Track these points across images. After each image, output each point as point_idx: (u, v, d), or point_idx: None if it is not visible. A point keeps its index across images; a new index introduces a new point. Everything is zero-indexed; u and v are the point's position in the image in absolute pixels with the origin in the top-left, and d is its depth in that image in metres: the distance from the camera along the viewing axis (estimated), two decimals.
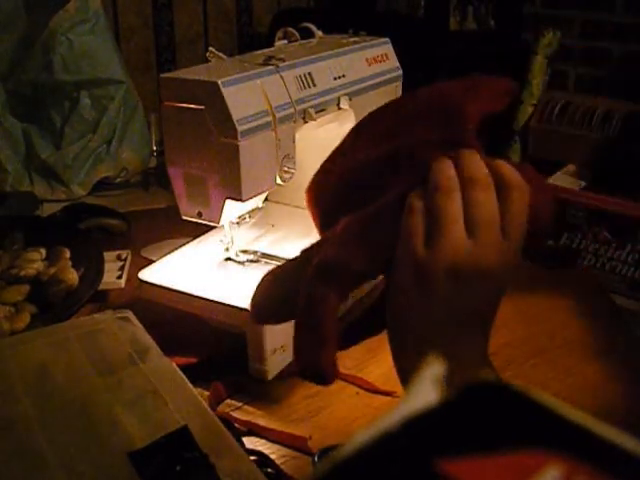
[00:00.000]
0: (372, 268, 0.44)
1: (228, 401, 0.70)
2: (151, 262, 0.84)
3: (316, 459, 0.62)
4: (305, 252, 0.47)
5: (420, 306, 0.42)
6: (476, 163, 0.42)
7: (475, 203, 0.41)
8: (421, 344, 0.42)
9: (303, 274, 0.45)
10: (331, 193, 0.49)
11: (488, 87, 0.48)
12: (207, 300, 0.74)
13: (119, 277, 0.93)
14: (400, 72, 0.97)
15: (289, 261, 0.49)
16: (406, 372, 0.44)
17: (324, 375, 0.44)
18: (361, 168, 0.48)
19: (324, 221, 0.49)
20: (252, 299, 0.50)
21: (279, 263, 0.82)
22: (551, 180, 1.48)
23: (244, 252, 0.84)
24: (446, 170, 0.42)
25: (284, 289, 0.47)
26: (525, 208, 0.42)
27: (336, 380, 0.73)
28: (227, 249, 0.82)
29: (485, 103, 0.46)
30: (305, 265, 0.45)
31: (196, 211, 0.75)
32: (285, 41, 0.89)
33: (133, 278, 0.88)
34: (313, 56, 0.83)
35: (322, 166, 0.53)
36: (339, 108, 0.85)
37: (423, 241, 0.41)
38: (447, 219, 0.41)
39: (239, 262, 0.82)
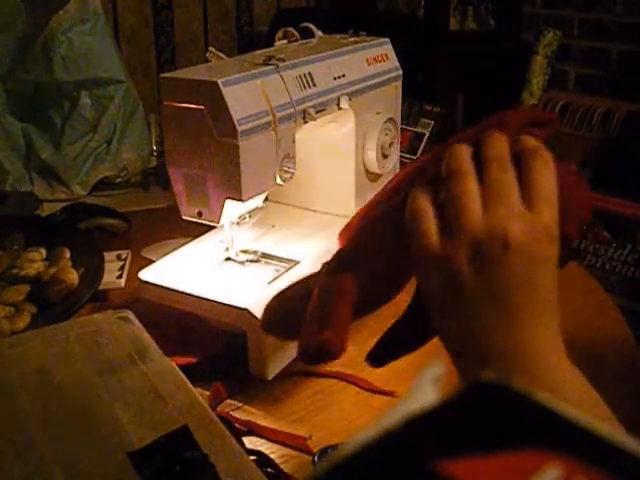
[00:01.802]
0: (384, 264, 0.43)
1: (228, 401, 0.70)
2: (151, 262, 0.84)
3: (316, 459, 0.62)
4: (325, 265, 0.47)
5: (453, 306, 0.39)
6: (496, 142, 0.40)
7: (490, 180, 0.38)
8: (472, 350, 0.38)
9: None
10: (364, 216, 0.48)
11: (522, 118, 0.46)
12: (207, 300, 0.74)
13: (119, 277, 0.93)
14: (400, 72, 0.97)
15: (297, 283, 0.49)
16: (464, 369, 0.40)
17: (329, 349, 0.42)
18: (392, 189, 0.47)
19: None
20: (265, 312, 0.49)
21: (279, 263, 0.82)
22: None
23: (244, 252, 0.84)
24: (458, 154, 0.40)
25: (295, 308, 0.47)
26: (550, 179, 0.39)
27: (336, 380, 0.73)
28: (227, 249, 0.82)
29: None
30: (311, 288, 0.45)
31: (196, 211, 0.75)
32: (285, 41, 0.89)
33: (133, 278, 0.88)
34: (313, 56, 0.83)
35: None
36: (339, 108, 0.85)
37: (438, 234, 0.39)
38: (459, 200, 0.38)
39: (239, 262, 0.82)
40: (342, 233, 0.47)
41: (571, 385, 0.37)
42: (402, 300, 0.46)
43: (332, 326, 0.42)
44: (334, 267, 0.45)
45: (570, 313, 0.84)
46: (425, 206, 0.39)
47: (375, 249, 0.44)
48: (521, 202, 0.38)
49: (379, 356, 0.47)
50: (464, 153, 0.40)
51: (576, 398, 0.37)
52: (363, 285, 0.43)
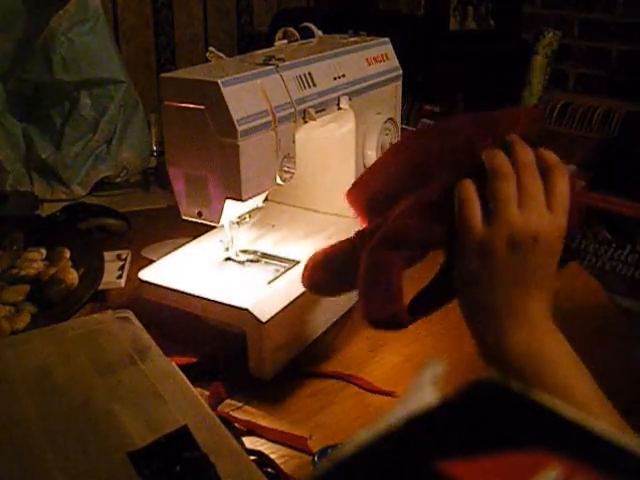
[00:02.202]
0: (431, 239, 0.53)
1: (228, 401, 0.70)
2: (151, 262, 0.84)
3: (316, 459, 0.62)
4: (359, 233, 0.56)
5: (485, 277, 0.50)
6: (525, 150, 0.51)
7: (526, 184, 0.50)
8: (490, 309, 0.50)
9: (360, 250, 0.53)
10: (383, 182, 0.57)
11: (523, 113, 0.57)
12: (207, 300, 0.74)
13: (119, 277, 0.93)
14: (400, 72, 0.97)
15: (341, 242, 0.58)
16: (481, 337, 0.51)
17: (401, 322, 0.53)
18: (412, 161, 0.56)
19: (373, 207, 0.57)
20: (306, 272, 0.59)
21: (279, 263, 0.82)
22: None
23: (244, 252, 0.84)
24: (500, 158, 0.51)
25: (340, 263, 0.57)
26: (566, 186, 0.50)
27: (336, 380, 0.73)
28: (227, 249, 0.82)
29: (524, 123, 0.55)
30: (360, 243, 0.54)
31: (196, 211, 0.75)
32: (285, 41, 0.89)
33: (133, 278, 0.88)
34: (313, 56, 0.83)
35: (375, 162, 0.62)
36: (339, 108, 0.85)
37: (481, 221, 0.50)
38: (504, 199, 0.49)
39: (239, 262, 0.82)
40: (366, 184, 0.58)
41: (556, 348, 0.50)
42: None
43: (397, 300, 0.52)
44: (379, 244, 0.52)
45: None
46: (473, 196, 0.50)
47: (420, 230, 0.52)
48: (545, 205, 0.50)
49: (416, 309, 0.55)
50: (504, 158, 0.51)
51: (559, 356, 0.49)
52: (407, 260, 0.52)
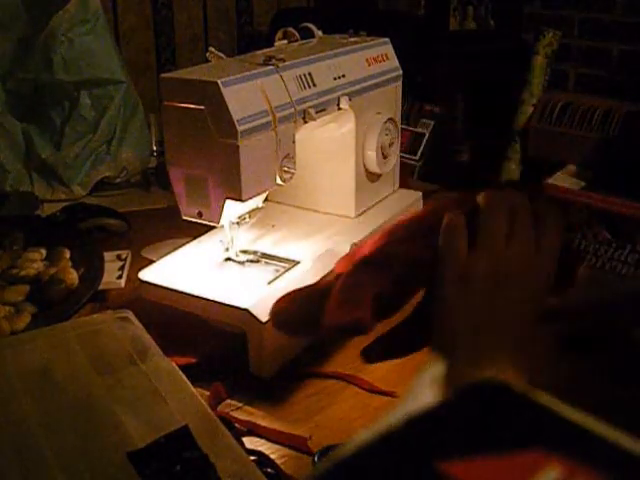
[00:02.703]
0: (414, 262, 0.51)
1: (228, 401, 0.70)
2: (151, 262, 0.84)
3: (316, 459, 0.62)
4: (325, 281, 0.53)
5: (462, 304, 0.48)
6: (520, 195, 0.51)
7: (516, 226, 0.49)
8: (461, 336, 0.47)
9: (324, 298, 0.51)
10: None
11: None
12: (207, 300, 0.74)
13: (119, 277, 0.93)
14: (400, 72, 0.97)
15: (309, 286, 0.55)
16: (448, 365, 0.47)
17: (365, 324, 0.50)
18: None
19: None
20: (274, 313, 0.55)
21: (279, 263, 0.82)
22: (551, 180, 1.48)
23: (244, 252, 0.84)
24: (495, 196, 0.50)
25: (307, 308, 0.53)
26: (557, 235, 0.50)
27: (336, 380, 0.73)
28: (227, 249, 0.82)
29: None
30: (325, 291, 0.51)
31: (196, 211, 0.75)
32: (285, 41, 0.89)
33: (133, 278, 0.88)
34: (313, 56, 0.83)
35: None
36: (339, 108, 0.85)
37: (465, 247, 0.49)
38: (492, 232, 0.49)
39: (239, 262, 0.82)
40: (363, 248, 0.54)
41: None
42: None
43: (364, 307, 0.50)
44: (360, 264, 0.51)
45: None
46: (461, 223, 0.49)
47: (402, 255, 0.51)
48: (533, 247, 0.49)
49: (375, 352, 0.53)
50: (499, 196, 0.50)
51: None
52: (385, 285, 0.50)
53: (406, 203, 0.99)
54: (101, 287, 0.88)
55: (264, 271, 0.81)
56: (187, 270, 0.81)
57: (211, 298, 0.74)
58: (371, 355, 0.53)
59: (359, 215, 0.94)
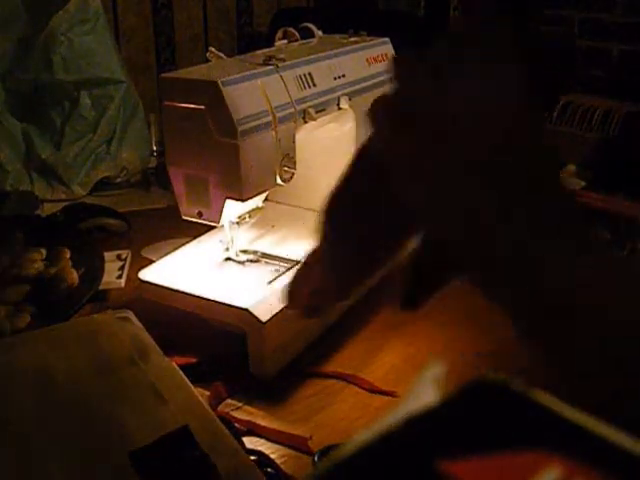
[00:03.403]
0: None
1: (228, 401, 0.70)
2: (151, 262, 0.84)
3: (316, 459, 0.62)
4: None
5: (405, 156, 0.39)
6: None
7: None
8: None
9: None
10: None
11: None
12: (207, 300, 0.74)
13: (119, 277, 0.93)
14: None
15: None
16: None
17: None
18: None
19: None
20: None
21: (279, 263, 0.82)
22: None
23: (244, 252, 0.84)
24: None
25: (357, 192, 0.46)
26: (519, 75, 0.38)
27: (336, 380, 0.73)
28: (227, 249, 0.82)
29: None
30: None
31: (196, 211, 0.75)
32: (285, 41, 0.89)
33: (133, 278, 0.88)
34: (313, 56, 0.83)
35: None
36: (339, 108, 0.85)
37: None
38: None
39: (239, 262, 0.82)
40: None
41: None
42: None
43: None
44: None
45: None
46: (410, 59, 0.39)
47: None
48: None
49: (412, 298, 0.45)
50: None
51: None
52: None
53: None
54: (101, 287, 0.88)
55: (264, 271, 0.81)
56: (187, 270, 0.81)
57: (211, 298, 0.74)
58: (411, 302, 0.45)
59: None
